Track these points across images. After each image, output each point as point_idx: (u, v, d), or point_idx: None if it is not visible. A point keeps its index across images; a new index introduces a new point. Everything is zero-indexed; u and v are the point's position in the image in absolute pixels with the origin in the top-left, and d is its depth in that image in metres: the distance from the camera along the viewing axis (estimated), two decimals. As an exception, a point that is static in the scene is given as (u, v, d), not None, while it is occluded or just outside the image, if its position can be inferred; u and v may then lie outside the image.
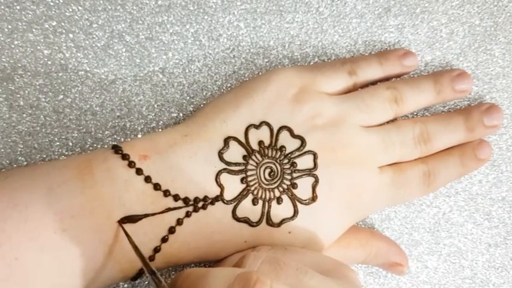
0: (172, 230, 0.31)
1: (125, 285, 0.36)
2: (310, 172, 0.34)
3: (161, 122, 0.37)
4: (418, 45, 0.39)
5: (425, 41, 0.39)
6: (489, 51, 0.40)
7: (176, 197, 0.31)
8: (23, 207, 0.29)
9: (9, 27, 0.35)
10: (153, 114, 0.37)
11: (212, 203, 0.32)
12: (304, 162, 0.34)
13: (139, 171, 0.31)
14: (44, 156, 0.36)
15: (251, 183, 0.33)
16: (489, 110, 0.38)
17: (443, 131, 0.37)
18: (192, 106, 0.37)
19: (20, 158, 0.35)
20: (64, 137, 0.36)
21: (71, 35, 0.36)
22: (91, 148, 0.36)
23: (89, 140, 0.36)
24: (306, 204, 0.33)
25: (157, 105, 0.37)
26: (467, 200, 0.39)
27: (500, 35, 0.40)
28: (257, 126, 0.33)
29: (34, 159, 0.35)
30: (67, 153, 0.36)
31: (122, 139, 0.36)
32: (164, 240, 0.31)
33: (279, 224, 0.33)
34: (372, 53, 0.39)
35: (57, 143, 0.36)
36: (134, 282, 0.35)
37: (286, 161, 0.34)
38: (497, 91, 0.39)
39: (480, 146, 0.38)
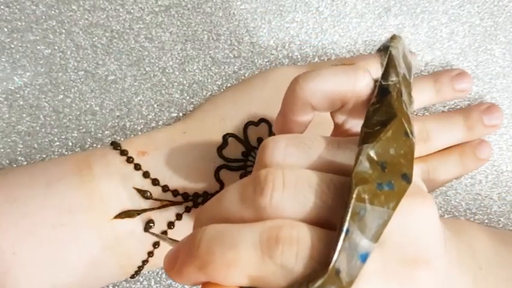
0: (171, 226, 0.31)
1: (126, 285, 0.36)
2: None
3: (161, 121, 0.37)
4: (418, 45, 0.39)
5: (425, 41, 0.39)
6: (489, 51, 0.39)
7: (175, 192, 0.31)
8: (21, 203, 0.29)
9: (9, 27, 0.36)
10: (153, 114, 0.37)
11: None
12: None
13: (137, 167, 0.31)
14: (44, 156, 0.35)
15: None
16: (489, 109, 0.38)
17: (443, 129, 0.37)
18: (191, 106, 0.37)
19: (19, 157, 0.35)
20: (63, 136, 0.36)
21: (71, 35, 0.36)
22: (91, 148, 0.36)
23: (89, 139, 0.36)
24: None
25: (157, 105, 0.37)
26: (467, 199, 0.39)
27: (500, 34, 0.40)
28: (256, 124, 0.33)
29: (34, 159, 0.35)
30: (66, 153, 0.36)
31: (122, 139, 0.36)
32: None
33: None
34: (372, 53, 0.39)
35: (57, 143, 0.36)
36: (134, 280, 0.35)
37: None
38: (498, 91, 0.39)
39: (480, 145, 0.38)
